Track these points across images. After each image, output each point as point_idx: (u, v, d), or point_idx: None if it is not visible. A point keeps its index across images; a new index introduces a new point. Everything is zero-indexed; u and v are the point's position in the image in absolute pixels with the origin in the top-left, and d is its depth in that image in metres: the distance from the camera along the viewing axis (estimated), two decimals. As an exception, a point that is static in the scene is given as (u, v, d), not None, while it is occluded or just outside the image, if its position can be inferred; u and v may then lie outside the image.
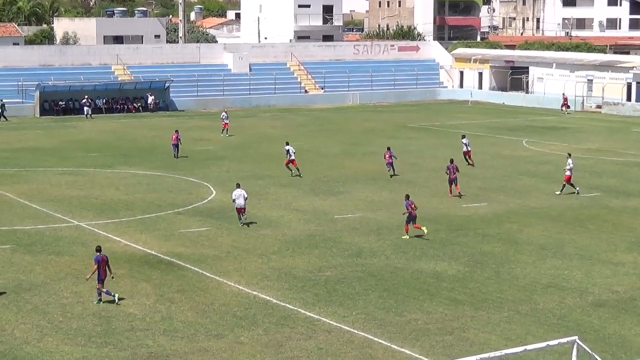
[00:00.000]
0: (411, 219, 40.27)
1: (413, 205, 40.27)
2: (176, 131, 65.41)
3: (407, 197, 41.02)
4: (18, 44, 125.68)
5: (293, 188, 51.91)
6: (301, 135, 75.36)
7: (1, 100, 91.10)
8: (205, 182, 53.41)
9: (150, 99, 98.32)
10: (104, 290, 30.87)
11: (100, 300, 30.72)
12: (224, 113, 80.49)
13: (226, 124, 78.48)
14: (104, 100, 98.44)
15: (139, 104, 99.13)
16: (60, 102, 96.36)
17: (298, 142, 69.98)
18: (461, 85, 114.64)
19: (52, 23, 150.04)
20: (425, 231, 40.37)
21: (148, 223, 43.05)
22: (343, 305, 30.66)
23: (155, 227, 42.08)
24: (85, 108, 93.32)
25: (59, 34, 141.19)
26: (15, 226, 42.20)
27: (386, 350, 26.59)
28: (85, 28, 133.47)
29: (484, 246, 38.92)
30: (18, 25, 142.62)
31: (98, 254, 31.05)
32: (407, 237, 40.13)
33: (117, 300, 30.64)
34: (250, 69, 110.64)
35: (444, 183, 50.54)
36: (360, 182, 53.93)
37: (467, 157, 58.25)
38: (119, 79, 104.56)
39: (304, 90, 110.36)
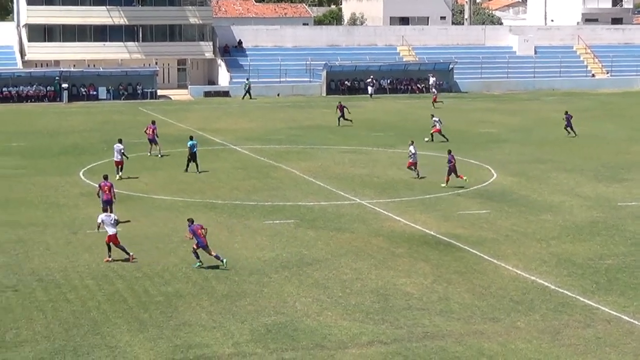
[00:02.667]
0: (452, 170, 46.18)
1: (453, 160, 46.30)
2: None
3: (449, 152, 46.93)
4: (307, 24, 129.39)
5: (576, 173, 50.81)
6: (586, 120, 73.52)
7: (248, 80, 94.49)
8: (486, 165, 53.14)
9: (432, 80, 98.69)
10: (214, 254, 32.25)
11: (199, 263, 32.36)
12: (433, 89, 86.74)
13: (435, 97, 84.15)
14: (389, 81, 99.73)
15: (423, 85, 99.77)
16: (345, 82, 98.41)
17: (582, 127, 68.33)
18: None
19: (341, 4, 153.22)
20: (466, 180, 46.50)
21: (428, 203, 43.34)
22: (624, 295, 29.76)
23: (435, 208, 42.29)
24: (370, 88, 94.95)
25: (346, 15, 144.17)
26: (300, 202, 43.52)
27: (669, 344, 25.61)
28: (373, 9, 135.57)
29: None
30: (308, 6, 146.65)
31: (192, 224, 32.46)
32: (445, 186, 46.25)
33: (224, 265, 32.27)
34: (536, 52, 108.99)
35: None
36: (647, 169, 52.12)
37: None
38: (404, 59, 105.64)
39: (590, 74, 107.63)
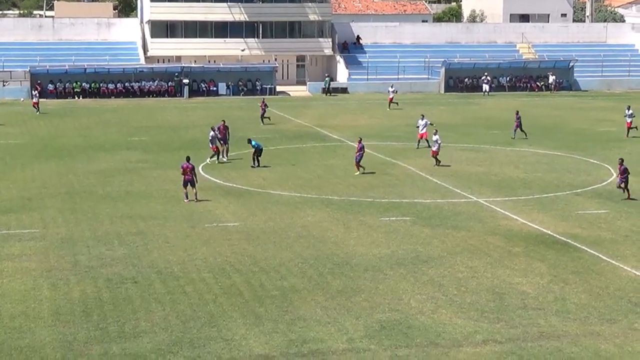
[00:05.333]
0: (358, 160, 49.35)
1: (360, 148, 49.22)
2: None
3: (360, 140, 49.70)
4: (426, 22, 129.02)
5: (700, 174, 49.60)
6: None
7: (327, 76, 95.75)
8: (605, 164, 52.26)
9: (552, 79, 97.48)
10: None
11: None
12: (391, 87, 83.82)
13: (391, 98, 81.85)
14: (507, 79, 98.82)
15: (542, 83, 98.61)
16: (465, 80, 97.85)
17: None
18: None
19: (460, 1, 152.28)
20: (356, 173, 48.94)
21: (545, 202, 42.81)
22: None
23: (553, 207, 41.75)
24: (484, 85, 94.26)
25: (466, 12, 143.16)
26: (416, 199, 43.42)
27: None
28: (492, 6, 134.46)
29: None
30: (427, 4, 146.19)
31: None
32: (358, 173, 49.11)
33: None
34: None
35: None
36: None
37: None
38: (523, 57, 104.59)
39: None
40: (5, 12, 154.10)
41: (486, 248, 34.68)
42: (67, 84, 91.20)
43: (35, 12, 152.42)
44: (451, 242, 35.52)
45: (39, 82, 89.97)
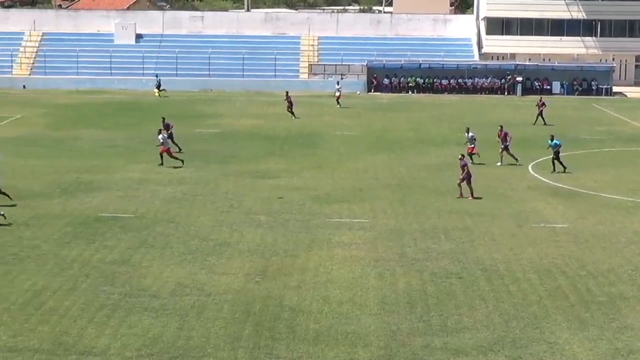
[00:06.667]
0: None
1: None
2: None
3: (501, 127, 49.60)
4: None
5: None
6: None
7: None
8: None
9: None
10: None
11: None
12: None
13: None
14: None
15: None
16: None
17: None
18: None
19: None
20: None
21: None
22: None
23: None
24: None
25: None
26: None
27: None
28: None
29: None
30: None
31: None
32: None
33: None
34: None
35: None
36: None
37: None
38: None
39: None
40: (346, 7, 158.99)
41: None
42: (401, 79, 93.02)
43: (374, 7, 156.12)
44: None
45: (375, 75, 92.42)
